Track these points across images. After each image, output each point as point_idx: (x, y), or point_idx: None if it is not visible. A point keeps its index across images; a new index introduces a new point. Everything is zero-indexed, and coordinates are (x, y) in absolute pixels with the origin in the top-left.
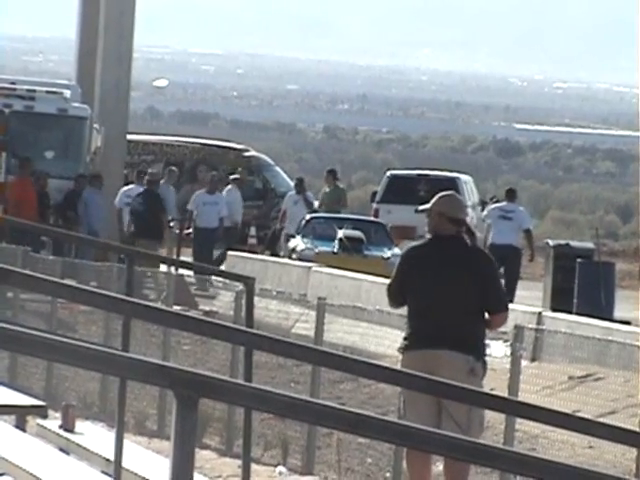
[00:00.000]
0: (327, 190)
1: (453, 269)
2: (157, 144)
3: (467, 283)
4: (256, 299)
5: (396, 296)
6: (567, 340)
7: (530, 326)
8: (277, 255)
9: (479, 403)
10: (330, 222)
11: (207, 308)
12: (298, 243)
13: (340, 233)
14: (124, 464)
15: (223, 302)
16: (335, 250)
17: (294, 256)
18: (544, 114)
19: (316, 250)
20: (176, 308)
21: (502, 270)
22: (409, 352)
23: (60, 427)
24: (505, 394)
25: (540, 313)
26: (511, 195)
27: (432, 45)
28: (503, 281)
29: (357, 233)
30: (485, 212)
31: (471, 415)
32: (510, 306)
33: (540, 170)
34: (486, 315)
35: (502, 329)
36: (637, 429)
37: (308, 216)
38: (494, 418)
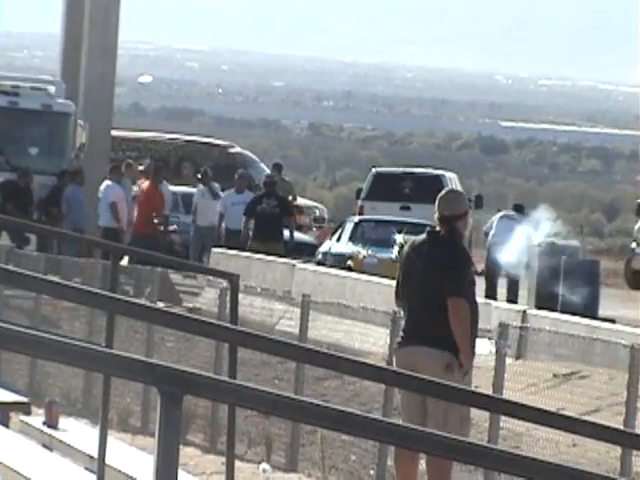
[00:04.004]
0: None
1: (427, 266)
2: (141, 140)
3: (437, 278)
4: (240, 296)
5: (397, 294)
6: (552, 338)
7: (515, 324)
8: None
9: (463, 401)
10: (381, 226)
11: (191, 305)
12: (349, 249)
13: (399, 238)
14: (108, 461)
15: (207, 299)
16: (394, 257)
17: (351, 263)
18: (529, 111)
19: (379, 256)
20: (160, 305)
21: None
22: (397, 350)
23: (43, 423)
24: (489, 392)
25: (525, 311)
26: (519, 209)
27: (418, 42)
28: (505, 281)
29: None
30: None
31: (448, 412)
32: (494, 304)
33: (525, 168)
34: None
35: (487, 327)
36: (621, 427)
37: (356, 219)
38: (478, 416)
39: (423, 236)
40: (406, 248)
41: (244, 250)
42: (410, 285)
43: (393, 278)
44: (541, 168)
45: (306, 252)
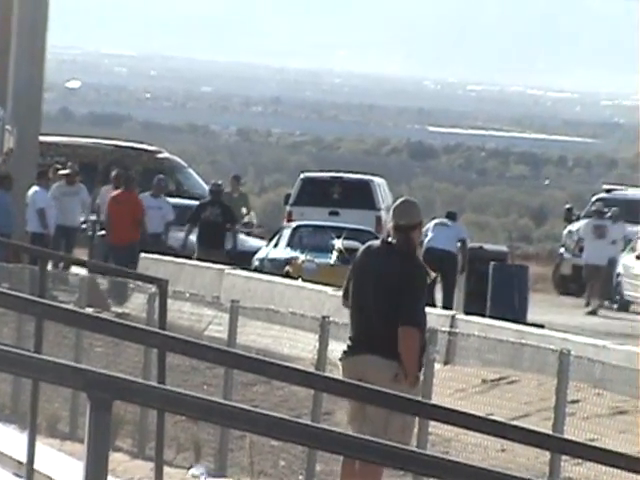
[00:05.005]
0: (235, 196)
1: (381, 279)
2: (69, 145)
3: (392, 290)
4: (169, 301)
5: (344, 295)
6: (480, 343)
7: (443, 329)
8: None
9: (392, 406)
10: (319, 231)
11: (120, 310)
12: (287, 254)
13: (338, 243)
14: (36, 466)
15: (136, 304)
16: (332, 262)
17: (289, 268)
18: (458, 117)
19: (317, 262)
20: (88, 310)
21: (439, 277)
22: (344, 359)
23: None
24: (419, 397)
25: (453, 316)
26: (452, 216)
27: (346, 48)
28: (441, 287)
29: (356, 244)
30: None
31: (389, 419)
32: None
33: (454, 173)
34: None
35: None
36: (550, 432)
37: (294, 224)
38: None
39: (377, 244)
40: (359, 254)
41: (161, 253)
42: (361, 294)
43: (326, 284)
44: (469, 173)
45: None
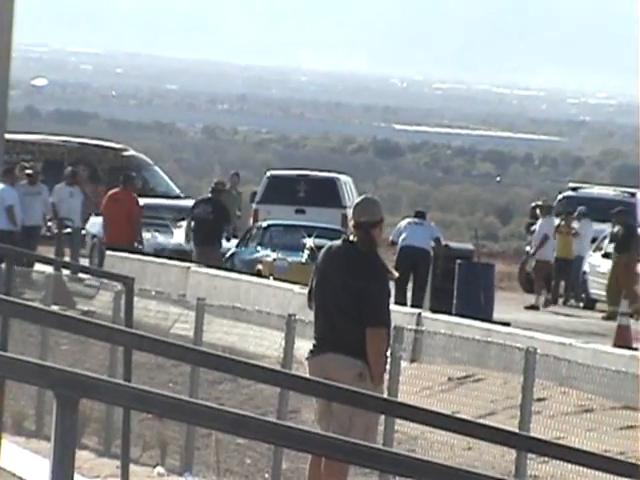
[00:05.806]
0: (233, 194)
1: (343, 278)
2: (36, 143)
3: (354, 289)
4: (135, 299)
5: (309, 296)
6: (446, 341)
7: (409, 327)
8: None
9: (358, 404)
10: (290, 230)
11: (85, 308)
12: (258, 253)
13: (309, 242)
14: (2, 464)
15: (102, 302)
16: (304, 260)
17: (261, 267)
18: (424, 115)
19: (289, 260)
20: (54, 308)
21: (412, 274)
22: (309, 359)
23: None
24: (384, 395)
25: (419, 314)
26: (421, 215)
27: (313, 45)
28: (411, 285)
29: (328, 242)
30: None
31: (354, 417)
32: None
33: (419, 171)
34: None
35: None
36: (516, 430)
37: (265, 223)
38: None
39: (338, 243)
40: (321, 254)
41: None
42: (324, 294)
43: (298, 283)
44: (435, 171)
45: None
